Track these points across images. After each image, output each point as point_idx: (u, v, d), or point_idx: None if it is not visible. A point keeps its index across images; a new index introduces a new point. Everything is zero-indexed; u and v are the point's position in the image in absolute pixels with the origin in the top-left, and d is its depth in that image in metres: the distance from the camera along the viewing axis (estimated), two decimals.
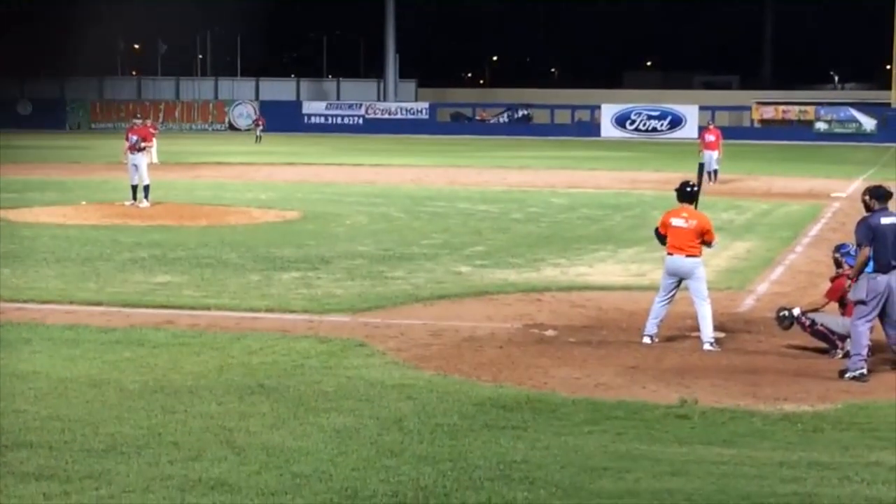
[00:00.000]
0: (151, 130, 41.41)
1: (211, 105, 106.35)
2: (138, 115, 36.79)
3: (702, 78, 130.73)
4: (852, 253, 14.89)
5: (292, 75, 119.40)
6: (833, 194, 40.00)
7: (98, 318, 16.48)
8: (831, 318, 14.99)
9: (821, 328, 14.91)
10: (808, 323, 15.00)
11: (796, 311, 15.15)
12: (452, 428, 11.03)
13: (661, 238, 15.71)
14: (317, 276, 20.70)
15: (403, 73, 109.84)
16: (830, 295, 15.21)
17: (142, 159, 33.28)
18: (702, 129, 50.55)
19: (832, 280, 15.40)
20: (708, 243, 15.49)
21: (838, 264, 15.34)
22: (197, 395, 12.10)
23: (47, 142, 75.95)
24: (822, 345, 14.96)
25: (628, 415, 11.68)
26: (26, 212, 31.30)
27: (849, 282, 14.36)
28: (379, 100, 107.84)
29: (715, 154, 43.58)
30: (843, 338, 14.58)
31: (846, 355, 14.17)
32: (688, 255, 15.34)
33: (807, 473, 9.86)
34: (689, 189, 15.85)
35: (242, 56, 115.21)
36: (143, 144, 33.48)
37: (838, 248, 15.60)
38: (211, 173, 48.38)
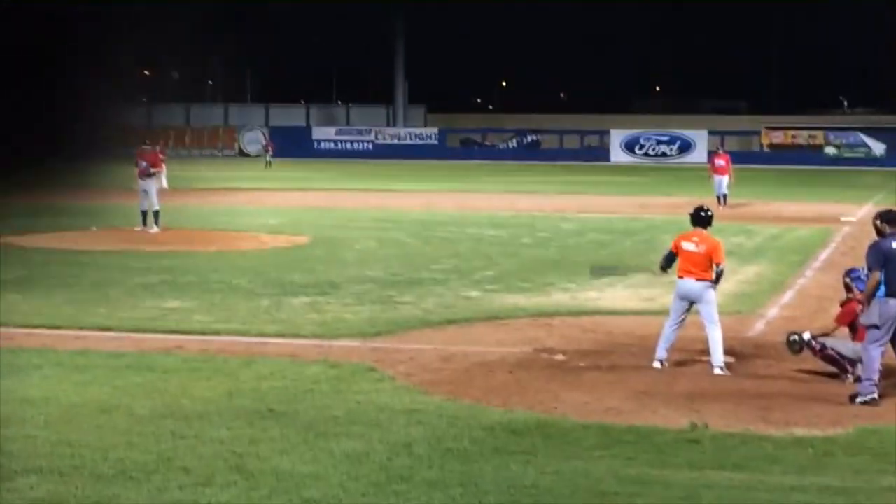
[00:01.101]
0: (160, 156, 41.45)
1: (221, 130, 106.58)
2: (147, 141, 36.78)
3: (711, 103, 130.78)
4: (863, 277, 14.86)
5: (302, 101, 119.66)
6: (843, 218, 39.96)
7: (108, 343, 16.49)
8: (842, 342, 14.95)
9: (831, 353, 14.88)
10: (818, 347, 14.96)
11: (806, 336, 15.12)
12: (462, 453, 11.00)
13: (667, 259, 15.68)
14: (326, 300, 20.70)
15: (413, 99, 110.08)
16: (841, 319, 15.17)
17: (152, 185, 33.35)
18: (711, 154, 50.57)
19: (842, 304, 15.37)
20: (716, 265, 15.44)
21: (849, 289, 15.31)
22: (207, 420, 12.09)
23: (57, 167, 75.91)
24: (833, 369, 14.91)
25: (639, 439, 11.64)
26: (37, 237, 31.33)
27: (860, 306, 14.33)
28: (388, 125, 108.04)
29: (725, 179, 43.61)
30: (854, 362, 14.54)
31: (857, 380, 14.13)
32: (698, 279, 15.33)
33: (818, 498, 9.82)
34: (703, 213, 15.85)
35: (252, 81, 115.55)
36: (152, 170, 33.55)
37: (848, 273, 15.57)
38: (221, 199, 48.46)
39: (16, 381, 13.84)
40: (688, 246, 15.48)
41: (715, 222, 16.13)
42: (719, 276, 15.59)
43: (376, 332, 17.66)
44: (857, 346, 14.46)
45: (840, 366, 14.81)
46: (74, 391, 13.39)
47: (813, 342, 15.01)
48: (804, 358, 15.23)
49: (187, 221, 36.24)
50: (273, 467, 10.41)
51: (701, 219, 15.80)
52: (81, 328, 17.68)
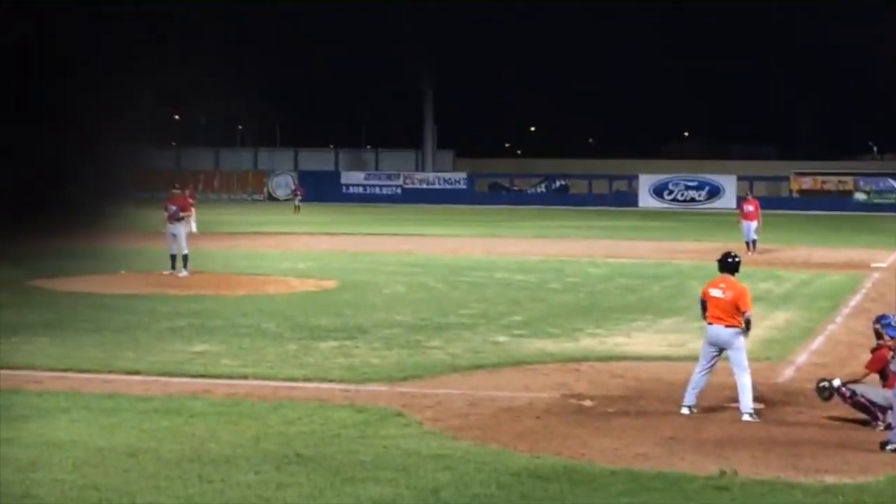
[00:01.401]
0: (189, 200, 41.64)
1: (250, 175, 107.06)
2: (176, 185, 36.99)
3: (740, 148, 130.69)
4: (893, 324, 14.78)
5: (331, 145, 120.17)
6: (873, 265, 39.77)
7: (136, 386, 16.52)
8: (872, 389, 14.85)
9: (861, 399, 14.77)
10: (848, 394, 14.87)
11: (836, 383, 15.03)
12: (490, 498, 10.96)
13: (703, 307, 15.71)
14: (354, 345, 20.70)
15: (441, 144, 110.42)
16: (871, 366, 15.07)
17: (181, 229, 33.50)
18: (740, 200, 50.49)
19: (873, 351, 15.27)
20: (743, 313, 15.36)
21: (879, 335, 15.21)
22: (234, 465, 12.08)
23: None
24: (863, 416, 14.81)
25: (667, 486, 11.58)
26: (65, 281, 31.46)
27: (890, 353, 14.23)
28: (417, 170, 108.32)
29: (754, 224, 43.52)
30: (885, 409, 14.44)
31: (888, 427, 14.02)
32: (727, 326, 15.28)
33: None
34: (730, 260, 15.82)
35: (281, 126, 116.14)
36: (181, 214, 33.71)
37: (879, 319, 15.48)
38: (249, 243, 48.61)
39: (43, 425, 13.88)
40: (714, 292, 15.46)
41: (744, 268, 16.09)
42: (748, 323, 15.51)
43: (404, 376, 17.64)
44: (888, 392, 14.36)
45: (870, 413, 14.71)
46: (102, 435, 13.41)
47: (843, 389, 14.91)
48: (834, 405, 15.13)
49: (216, 265, 36.33)
50: None
51: (728, 265, 15.78)
52: (109, 372, 17.72)
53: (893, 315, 14.75)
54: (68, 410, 14.71)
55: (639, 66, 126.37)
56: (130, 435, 13.44)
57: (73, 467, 11.93)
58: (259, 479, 11.51)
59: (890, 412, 14.02)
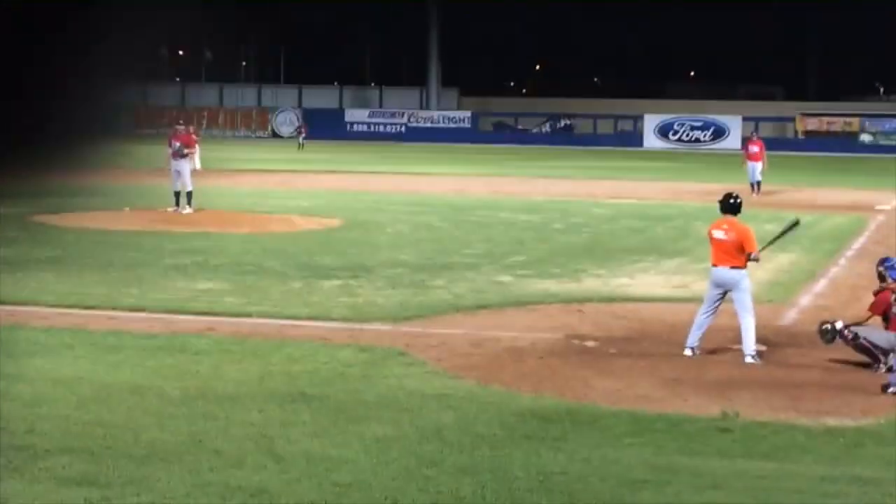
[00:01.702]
0: (193, 137, 41.54)
1: (254, 112, 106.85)
2: (180, 122, 36.90)
3: (746, 88, 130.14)
4: None
5: (335, 83, 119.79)
6: (878, 207, 39.74)
7: (140, 324, 16.56)
8: (875, 331, 14.87)
9: (864, 342, 14.80)
10: (850, 336, 14.89)
11: (839, 325, 15.04)
12: (492, 439, 11.01)
13: None
14: (358, 284, 20.72)
15: (446, 82, 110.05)
16: (874, 308, 15.09)
17: (185, 165, 33.45)
18: (746, 141, 50.37)
19: (876, 294, 15.27)
20: (749, 255, 15.37)
21: (882, 278, 15.22)
22: (238, 403, 12.13)
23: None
24: (865, 359, 14.84)
25: (669, 427, 11.62)
26: (70, 217, 31.48)
27: (893, 295, 14.24)
28: (421, 108, 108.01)
29: (759, 165, 43.43)
30: (887, 352, 14.48)
31: (889, 370, 14.06)
32: (732, 267, 15.25)
33: (849, 489, 9.78)
34: (731, 201, 15.74)
35: (286, 63, 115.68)
36: (185, 150, 33.63)
37: (882, 262, 15.47)
38: (253, 180, 48.57)
39: (48, 361, 13.93)
40: (717, 234, 15.42)
41: (748, 209, 16.08)
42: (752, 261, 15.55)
43: (407, 316, 17.67)
44: (890, 335, 14.40)
45: (872, 355, 14.74)
46: (107, 372, 13.46)
47: (845, 331, 14.93)
48: (836, 347, 15.16)
49: (220, 203, 36.33)
50: (303, 450, 10.44)
51: (730, 206, 15.71)
52: (114, 308, 17.77)
53: None
54: (73, 347, 14.76)
55: (645, 5, 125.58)
56: (135, 372, 13.49)
57: (78, 404, 11.98)
58: (263, 418, 11.56)
59: (892, 354, 14.06)
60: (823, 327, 15.22)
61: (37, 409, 11.66)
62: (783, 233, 16.82)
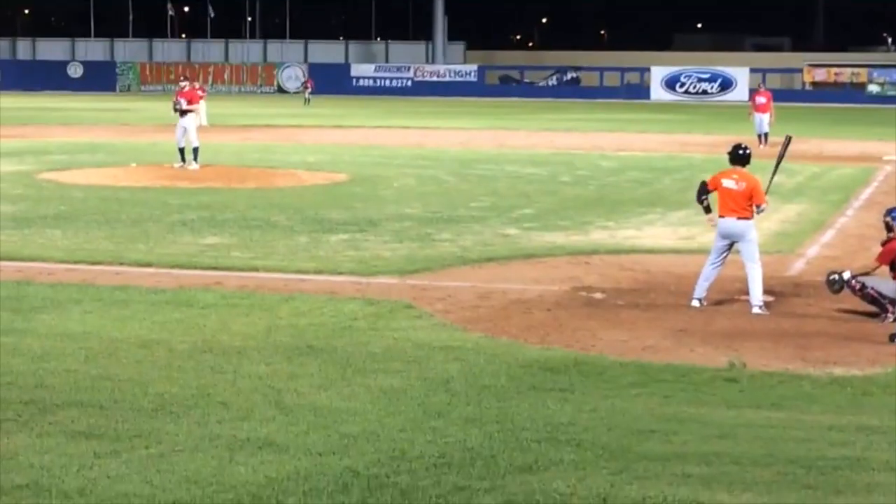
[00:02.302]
0: (200, 93, 41.48)
1: (260, 68, 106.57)
2: (184, 78, 36.85)
3: (753, 40, 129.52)
4: None
5: (341, 37, 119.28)
6: (885, 157, 39.60)
7: (147, 279, 16.58)
8: (882, 281, 14.85)
9: (871, 292, 14.79)
10: (858, 286, 14.88)
11: (846, 275, 15.03)
12: (499, 390, 11.03)
13: (700, 191, 15.56)
14: (364, 238, 20.73)
15: (452, 35, 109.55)
16: (881, 259, 15.07)
17: (190, 121, 33.38)
18: (753, 92, 50.20)
19: (883, 244, 15.24)
20: (757, 206, 15.34)
21: (889, 228, 15.18)
22: (245, 356, 12.16)
23: (98, 104, 76.36)
24: (873, 308, 14.83)
25: (676, 378, 11.64)
26: (77, 173, 31.50)
27: None
28: (427, 62, 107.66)
29: (766, 117, 43.32)
30: (894, 302, 14.47)
31: None
32: (739, 218, 15.21)
33: (856, 437, 9.80)
34: (741, 151, 15.68)
35: (291, 18, 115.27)
36: (189, 107, 33.45)
37: (889, 212, 15.43)
38: (259, 136, 48.51)
39: (56, 316, 13.97)
40: (727, 183, 15.35)
41: (756, 160, 15.98)
42: (760, 213, 15.52)
43: (414, 269, 17.67)
44: None
45: (880, 305, 14.74)
46: (114, 326, 13.49)
47: (853, 281, 14.92)
48: (844, 297, 15.15)
49: (226, 158, 36.31)
50: (311, 402, 10.47)
51: (739, 157, 15.65)
52: (121, 264, 17.79)
53: None
54: (80, 302, 14.79)
55: None
56: (142, 326, 13.52)
57: (86, 358, 12.02)
58: (270, 370, 11.59)
59: None
60: (831, 277, 15.21)
61: (45, 364, 11.70)
62: (781, 155, 16.82)
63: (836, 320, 14.76)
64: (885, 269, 15.00)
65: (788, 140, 17.04)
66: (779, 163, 16.67)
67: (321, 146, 42.92)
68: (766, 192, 15.54)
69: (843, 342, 13.51)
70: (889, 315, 14.55)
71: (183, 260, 18.23)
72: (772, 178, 16.34)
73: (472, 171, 33.26)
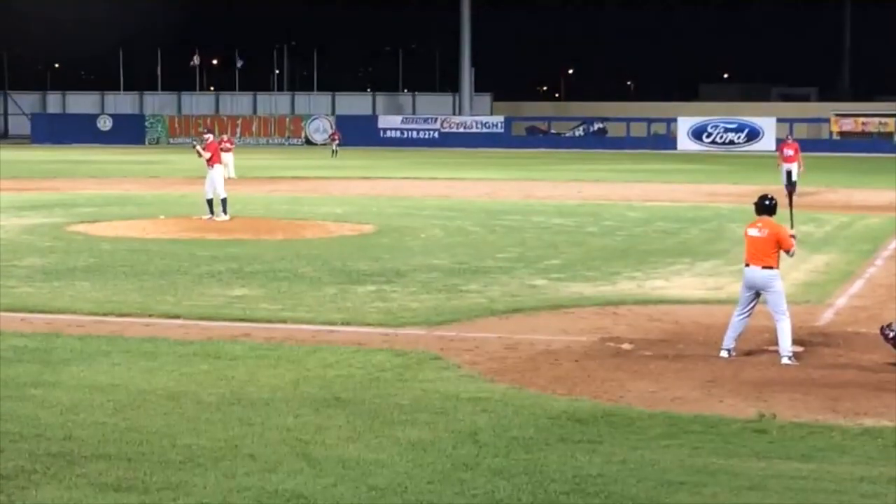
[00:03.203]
0: (228, 145, 41.71)
1: (287, 120, 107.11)
2: (204, 129, 37.01)
3: (779, 90, 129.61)
4: None
5: (368, 89, 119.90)
6: None
7: (176, 330, 16.62)
8: None
9: None
10: (891, 335, 14.76)
11: None
12: (527, 441, 11.00)
13: None
14: (392, 289, 20.74)
15: (479, 87, 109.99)
16: None
17: (218, 173, 33.50)
18: (780, 143, 50.16)
19: None
20: (787, 251, 15.30)
21: None
22: (273, 408, 12.16)
23: (127, 156, 76.85)
24: None
25: (705, 429, 11.58)
26: (106, 226, 31.66)
27: None
28: (454, 113, 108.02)
29: (794, 167, 43.25)
30: None
31: None
32: (764, 267, 15.18)
33: (887, 489, 9.72)
34: (767, 202, 15.68)
35: (318, 71, 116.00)
36: (205, 154, 33.33)
37: None
38: (287, 187, 48.68)
39: (85, 368, 14.01)
40: (752, 231, 15.36)
41: (783, 210, 15.96)
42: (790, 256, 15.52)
43: (441, 320, 17.67)
44: None
45: None
46: (142, 378, 13.52)
47: (886, 329, 14.79)
48: (875, 348, 15.06)
49: (254, 210, 36.44)
50: (339, 455, 10.45)
51: (765, 207, 15.65)
52: (150, 316, 17.84)
53: None
54: (109, 354, 14.83)
55: (677, 7, 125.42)
56: (171, 378, 13.54)
57: (115, 410, 12.04)
58: (298, 422, 11.58)
59: None
60: (886, 331, 14.94)
61: (74, 416, 11.73)
62: (790, 203, 16.97)
63: (866, 371, 14.66)
64: None
65: (790, 186, 17.38)
66: (791, 212, 16.85)
67: (349, 197, 43.06)
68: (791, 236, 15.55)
69: (874, 393, 13.41)
70: None
71: (211, 312, 18.28)
72: (792, 224, 16.44)
73: (498, 222, 33.30)
